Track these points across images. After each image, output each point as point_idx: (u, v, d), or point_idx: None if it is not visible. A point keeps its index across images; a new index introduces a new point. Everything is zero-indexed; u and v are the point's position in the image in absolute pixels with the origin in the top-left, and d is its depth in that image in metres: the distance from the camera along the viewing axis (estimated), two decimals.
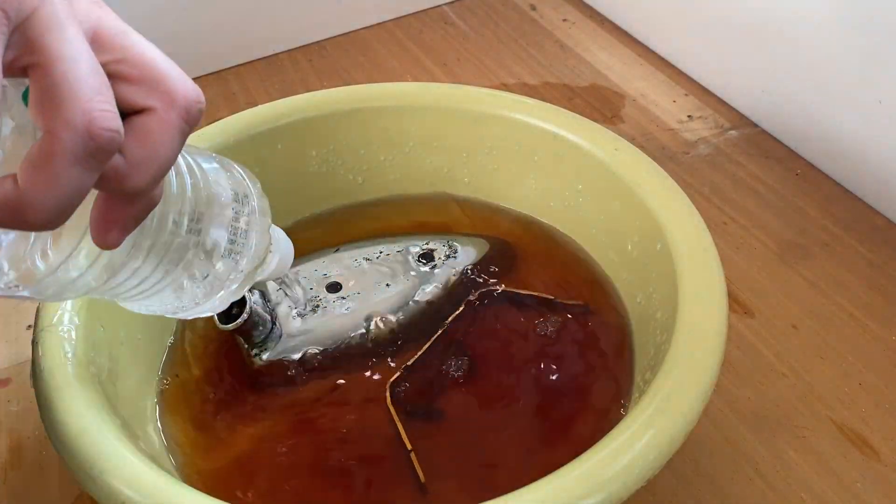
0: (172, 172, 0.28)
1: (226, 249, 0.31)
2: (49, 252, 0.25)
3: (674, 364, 0.32)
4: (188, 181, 0.29)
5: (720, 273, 0.36)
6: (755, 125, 0.59)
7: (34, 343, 0.35)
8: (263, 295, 0.41)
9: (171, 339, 0.42)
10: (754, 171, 0.55)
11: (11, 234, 0.24)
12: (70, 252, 0.25)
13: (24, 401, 0.44)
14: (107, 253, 0.25)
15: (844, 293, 0.47)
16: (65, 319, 0.36)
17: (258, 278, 0.35)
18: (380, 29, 0.72)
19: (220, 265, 0.31)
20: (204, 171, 0.30)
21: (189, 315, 0.33)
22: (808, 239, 0.50)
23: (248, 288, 0.33)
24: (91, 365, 0.35)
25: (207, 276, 0.31)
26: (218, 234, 0.30)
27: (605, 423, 0.36)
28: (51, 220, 0.20)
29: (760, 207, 0.52)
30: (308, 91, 0.50)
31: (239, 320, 0.38)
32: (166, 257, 0.28)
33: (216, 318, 0.38)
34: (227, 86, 0.67)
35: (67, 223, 0.22)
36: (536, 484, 0.29)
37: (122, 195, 0.23)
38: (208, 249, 0.30)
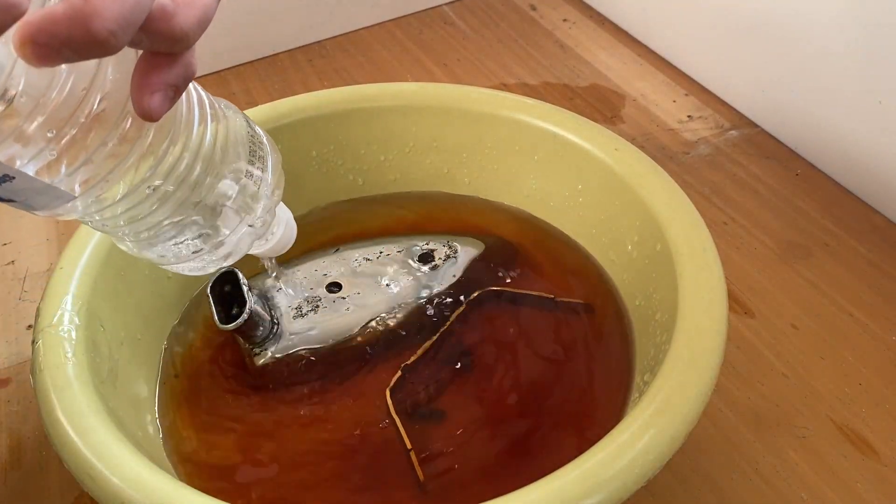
0: (196, 116, 0.28)
1: (230, 209, 0.31)
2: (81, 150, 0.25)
3: (674, 364, 0.32)
4: (210, 128, 0.29)
5: (720, 273, 0.36)
6: (755, 125, 0.59)
7: (34, 343, 0.35)
8: (263, 295, 0.41)
9: (170, 340, 0.42)
10: (754, 171, 0.55)
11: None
12: (99, 144, 0.25)
13: (24, 401, 0.44)
14: (133, 157, 0.26)
15: (844, 293, 0.47)
16: (65, 319, 0.36)
17: (255, 251, 0.35)
18: (380, 29, 0.72)
19: (220, 223, 0.31)
20: (228, 120, 0.30)
21: (177, 269, 0.32)
22: (808, 239, 0.50)
23: (239, 257, 0.33)
24: (91, 365, 0.35)
25: (204, 231, 0.30)
26: (226, 189, 0.30)
27: (604, 423, 0.36)
28: (114, 31, 0.21)
29: (760, 207, 0.52)
30: (308, 91, 0.50)
31: (239, 320, 0.38)
32: (170, 200, 0.28)
33: (216, 318, 0.38)
34: (227, 86, 0.67)
35: (100, 120, 0.23)
36: (536, 484, 0.29)
37: (165, 46, 0.24)
38: (212, 204, 0.30)
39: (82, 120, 0.24)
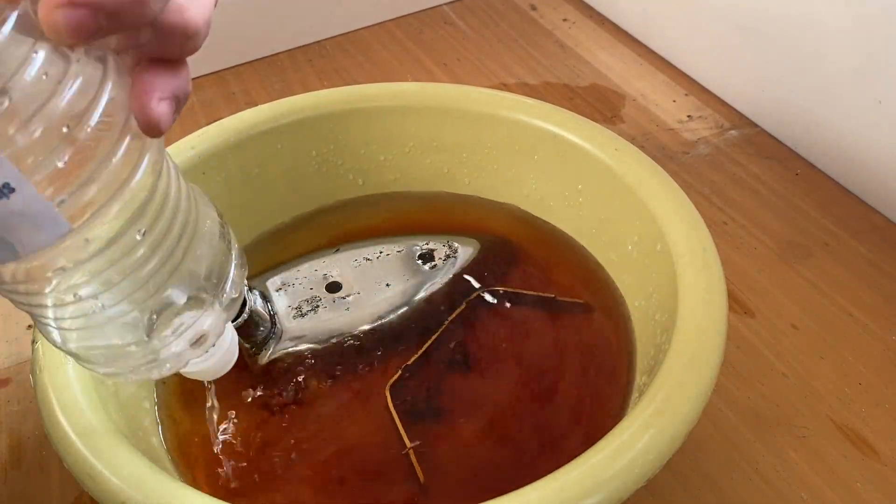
0: (173, 172, 0.26)
1: (169, 323, 0.27)
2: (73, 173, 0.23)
3: (674, 364, 0.32)
4: (184, 188, 0.27)
5: (720, 273, 0.36)
6: (755, 125, 0.59)
7: (34, 343, 0.35)
8: (263, 295, 0.41)
9: None
10: (754, 171, 0.55)
11: None
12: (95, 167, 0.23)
13: (24, 401, 0.44)
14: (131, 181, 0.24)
15: (844, 293, 0.47)
16: None
17: (189, 368, 0.31)
18: (380, 29, 0.72)
19: (155, 337, 0.27)
20: (198, 226, 0.28)
21: (102, 370, 0.29)
22: (808, 239, 0.50)
23: (171, 371, 0.29)
24: None
25: (135, 343, 0.27)
26: (174, 297, 0.27)
27: (604, 423, 0.36)
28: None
29: (760, 207, 0.52)
30: (308, 91, 0.50)
31: (239, 320, 0.38)
32: (153, 257, 0.26)
33: None
34: (227, 86, 0.67)
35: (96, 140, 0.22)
36: (536, 483, 0.29)
37: (174, 45, 0.23)
38: (187, 276, 0.27)
39: (91, 125, 0.22)
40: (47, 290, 0.25)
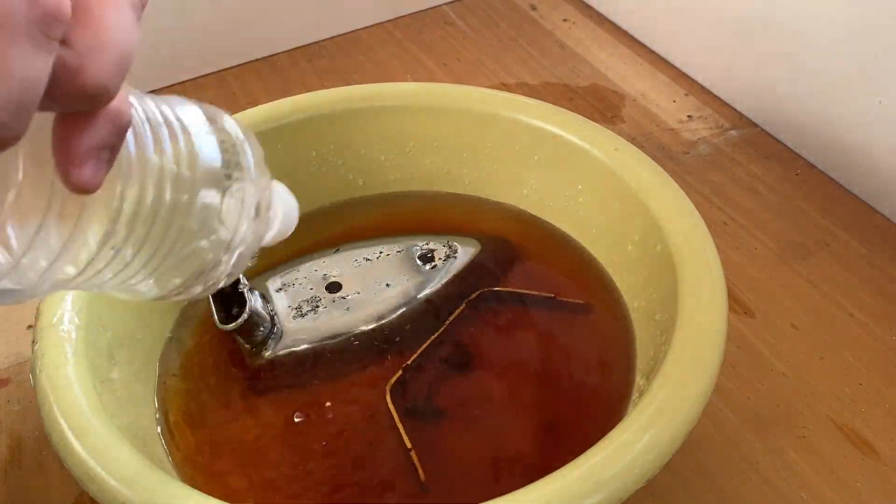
0: (149, 142, 0.25)
1: (216, 225, 0.27)
2: (11, 240, 0.21)
3: (674, 364, 0.32)
4: (169, 150, 0.25)
5: (720, 273, 0.36)
6: (755, 125, 0.59)
7: (34, 343, 0.35)
8: (263, 295, 0.41)
9: (170, 339, 0.42)
10: (754, 171, 0.55)
11: None
12: (34, 232, 0.21)
13: (24, 401, 0.44)
14: (81, 234, 0.22)
15: (844, 293, 0.47)
16: (65, 319, 0.36)
17: (265, 242, 0.31)
18: (379, 29, 0.72)
19: (206, 243, 0.27)
20: (189, 133, 0.26)
21: (181, 299, 0.29)
22: (808, 239, 0.50)
23: (255, 250, 0.30)
24: (91, 365, 0.35)
25: (193, 255, 0.27)
26: (208, 200, 0.26)
27: (604, 423, 0.36)
28: (6, 119, 0.17)
29: (760, 207, 0.52)
30: (308, 91, 0.50)
31: (239, 320, 0.38)
32: (148, 238, 0.25)
33: (216, 318, 0.38)
34: (227, 86, 0.67)
35: (28, 199, 0.20)
36: (536, 484, 0.29)
37: (83, 105, 0.20)
38: (196, 227, 0.26)
39: (11, 200, 0.20)
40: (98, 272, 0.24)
